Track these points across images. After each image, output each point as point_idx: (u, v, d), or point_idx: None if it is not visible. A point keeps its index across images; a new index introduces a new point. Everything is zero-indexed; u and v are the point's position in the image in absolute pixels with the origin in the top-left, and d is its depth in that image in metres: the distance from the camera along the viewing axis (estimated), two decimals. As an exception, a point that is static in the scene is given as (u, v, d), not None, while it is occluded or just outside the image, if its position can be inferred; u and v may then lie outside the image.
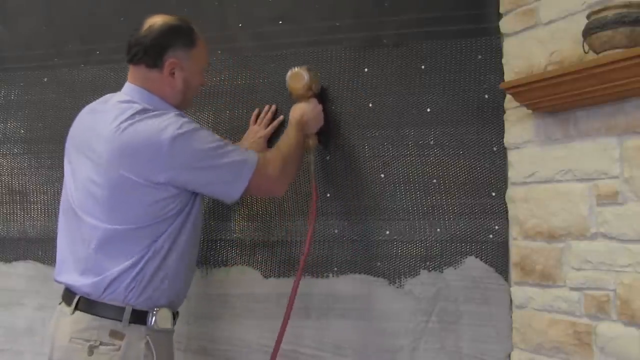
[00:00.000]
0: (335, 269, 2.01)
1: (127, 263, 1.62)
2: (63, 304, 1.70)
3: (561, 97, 1.60)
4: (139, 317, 1.63)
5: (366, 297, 1.97)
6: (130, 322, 1.62)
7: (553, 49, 1.73)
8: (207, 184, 1.66)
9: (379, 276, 1.97)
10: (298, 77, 1.94)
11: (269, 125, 2.07)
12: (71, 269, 1.68)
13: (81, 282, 1.64)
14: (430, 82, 1.97)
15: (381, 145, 2.00)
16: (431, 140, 1.96)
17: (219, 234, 2.13)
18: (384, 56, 2.02)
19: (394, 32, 2.01)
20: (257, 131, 2.06)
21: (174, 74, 1.71)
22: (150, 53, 1.69)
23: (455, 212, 1.93)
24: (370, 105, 2.02)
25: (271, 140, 2.06)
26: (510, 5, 1.85)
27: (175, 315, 1.74)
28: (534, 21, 1.78)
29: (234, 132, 2.12)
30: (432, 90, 1.97)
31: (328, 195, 2.04)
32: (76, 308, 1.64)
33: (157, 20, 1.72)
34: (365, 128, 2.02)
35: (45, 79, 2.37)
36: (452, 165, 1.94)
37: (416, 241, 1.95)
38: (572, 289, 1.66)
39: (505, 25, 1.87)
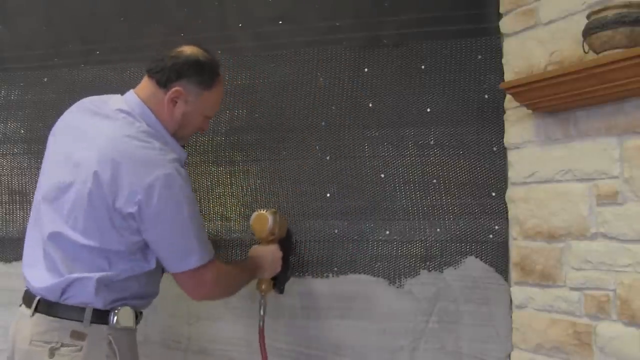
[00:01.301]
0: (335, 269, 2.01)
1: (91, 267, 1.59)
2: (23, 305, 1.67)
3: (561, 97, 1.60)
4: (101, 316, 1.61)
5: (366, 297, 1.97)
6: (91, 322, 1.59)
7: (553, 49, 1.73)
8: (156, 242, 1.62)
9: (379, 276, 1.97)
10: (262, 220, 1.91)
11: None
12: (34, 264, 1.65)
13: (42, 281, 1.61)
14: (430, 82, 1.97)
15: (381, 145, 2.00)
16: (431, 140, 1.96)
17: (219, 233, 2.13)
18: (384, 56, 2.02)
19: (394, 32, 2.02)
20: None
21: (175, 102, 1.68)
22: (165, 73, 1.67)
23: (455, 212, 1.93)
24: (370, 105, 2.02)
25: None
26: (510, 5, 1.85)
27: (138, 314, 1.72)
28: (534, 21, 1.78)
29: (234, 132, 2.12)
30: (432, 90, 1.97)
31: (328, 195, 2.04)
32: (36, 310, 1.61)
33: (190, 49, 1.72)
34: (365, 128, 2.02)
35: (45, 79, 2.37)
36: (452, 165, 1.94)
37: (416, 241, 1.95)
38: (572, 289, 1.66)
39: (505, 25, 1.87)
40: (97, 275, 1.59)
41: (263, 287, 1.92)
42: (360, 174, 2.02)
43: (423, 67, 1.98)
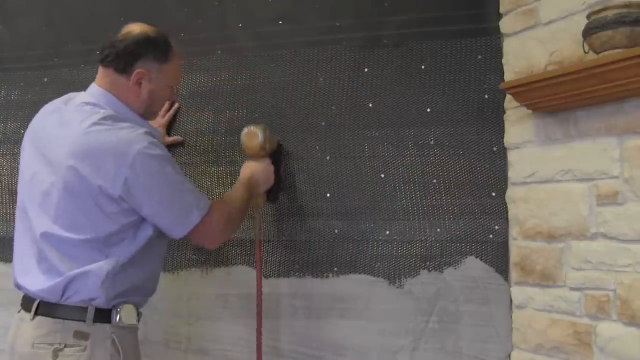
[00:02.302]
0: (335, 269, 2.01)
1: (89, 263, 1.59)
2: (22, 311, 1.66)
3: (561, 97, 1.60)
4: (103, 315, 1.61)
5: (366, 297, 1.97)
6: (94, 321, 1.59)
7: (553, 49, 1.73)
8: (155, 214, 1.63)
9: (379, 276, 1.97)
10: (252, 136, 1.94)
11: (165, 115, 2.15)
12: (30, 269, 1.64)
13: (40, 283, 1.61)
14: (430, 82, 1.97)
15: (381, 145, 2.00)
16: (431, 140, 1.96)
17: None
18: (384, 56, 2.02)
19: (394, 32, 2.02)
20: (155, 121, 2.09)
21: (140, 84, 1.69)
22: (121, 58, 1.68)
23: (455, 212, 1.93)
24: (370, 105, 2.02)
25: (169, 130, 2.17)
26: (510, 5, 1.85)
27: (140, 312, 1.72)
28: (534, 21, 1.78)
29: (234, 132, 2.12)
30: (432, 90, 1.97)
31: (328, 195, 2.04)
32: (36, 313, 1.60)
33: (135, 28, 1.71)
34: (365, 128, 2.02)
35: (45, 79, 2.37)
36: (452, 165, 1.94)
37: (416, 241, 1.95)
38: (572, 289, 1.66)
39: (505, 25, 1.87)
40: (96, 267, 1.58)
41: (259, 201, 1.98)
42: (360, 174, 2.02)
43: (423, 67, 1.98)
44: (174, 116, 2.19)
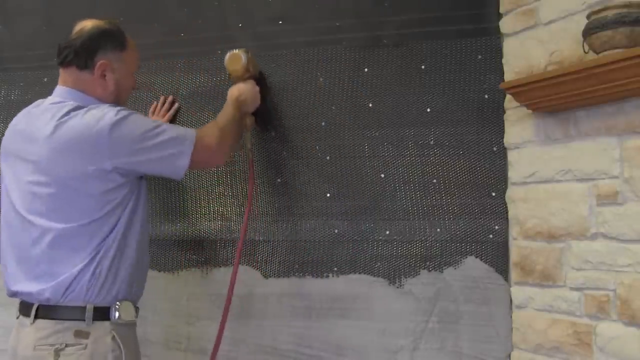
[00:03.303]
0: (335, 269, 2.01)
1: (83, 262, 1.61)
2: (21, 316, 1.67)
3: (561, 97, 1.60)
4: (102, 313, 1.63)
5: (366, 297, 1.97)
6: (94, 320, 1.61)
7: (553, 49, 1.73)
8: (152, 163, 1.68)
9: (379, 276, 1.97)
10: (236, 58, 1.98)
11: (165, 115, 2.18)
12: (24, 276, 1.65)
13: (37, 288, 1.62)
14: (430, 82, 1.97)
15: (381, 145, 2.00)
16: (431, 140, 1.96)
17: (219, 234, 2.13)
18: (384, 56, 2.02)
19: (394, 32, 2.02)
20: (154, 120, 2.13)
21: (105, 75, 1.72)
22: (80, 55, 1.71)
23: (455, 212, 1.93)
24: (370, 105, 2.02)
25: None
26: (510, 5, 1.85)
27: (137, 308, 1.74)
28: (534, 21, 1.78)
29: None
30: (432, 90, 1.97)
31: (328, 195, 2.04)
32: (36, 316, 1.62)
33: (87, 24, 1.75)
34: (365, 128, 2.02)
35: (45, 79, 2.37)
36: (452, 165, 1.94)
37: (416, 241, 1.95)
38: (572, 289, 1.67)
39: (505, 25, 1.87)
40: (88, 266, 1.61)
41: (247, 121, 2.02)
42: (360, 174, 2.02)
43: (423, 67, 1.98)
44: (174, 116, 2.20)
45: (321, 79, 2.07)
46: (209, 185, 2.15)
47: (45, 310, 1.62)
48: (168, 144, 1.68)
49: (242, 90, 1.95)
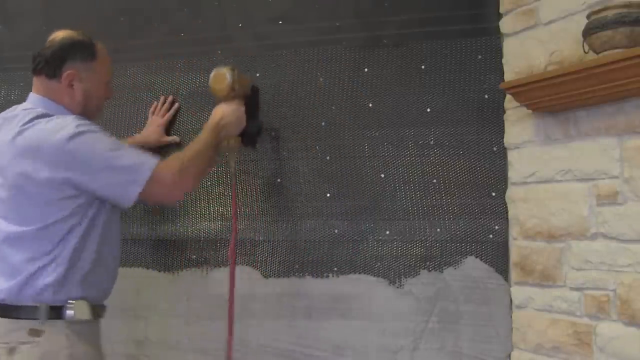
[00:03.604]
0: (335, 269, 2.01)
1: (38, 263, 1.64)
2: None
3: (561, 97, 1.60)
4: (56, 312, 1.65)
5: (366, 297, 1.97)
6: (48, 318, 1.63)
7: (553, 49, 1.73)
8: (103, 185, 1.66)
9: (379, 276, 1.97)
10: (220, 77, 1.92)
11: (165, 114, 2.18)
12: None
13: None
14: (430, 82, 1.97)
15: (381, 145, 2.00)
16: (431, 140, 1.96)
17: (219, 234, 2.13)
18: (384, 56, 2.02)
19: (394, 32, 2.02)
20: (155, 120, 2.17)
21: (72, 85, 1.75)
22: (50, 64, 1.74)
23: (455, 212, 1.93)
24: (370, 105, 2.02)
25: (169, 129, 2.18)
26: (510, 5, 1.85)
27: (97, 307, 1.74)
28: (534, 21, 1.78)
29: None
30: (432, 90, 1.97)
31: (328, 195, 2.04)
32: None
33: (59, 35, 1.78)
34: (365, 128, 2.02)
35: (45, 79, 2.37)
36: (452, 165, 1.94)
37: (416, 241, 1.95)
38: (572, 289, 1.66)
39: (505, 25, 1.87)
40: (45, 267, 1.64)
41: (231, 143, 1.94)
42: (360, 174, 2.02)
43: (423, 67, 1.98)
44: (174, 116, 2.20)
45: (321, 79, 2.07)
46: (209, 185, 2.16)
47: (2, 310, 1.65)
48: (122, 170, 1.66)
49: (225, 114, 1.89)
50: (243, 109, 1.93)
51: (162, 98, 2.21)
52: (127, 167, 1.66)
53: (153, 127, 2.17)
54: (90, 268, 1.70)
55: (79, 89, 1.75)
